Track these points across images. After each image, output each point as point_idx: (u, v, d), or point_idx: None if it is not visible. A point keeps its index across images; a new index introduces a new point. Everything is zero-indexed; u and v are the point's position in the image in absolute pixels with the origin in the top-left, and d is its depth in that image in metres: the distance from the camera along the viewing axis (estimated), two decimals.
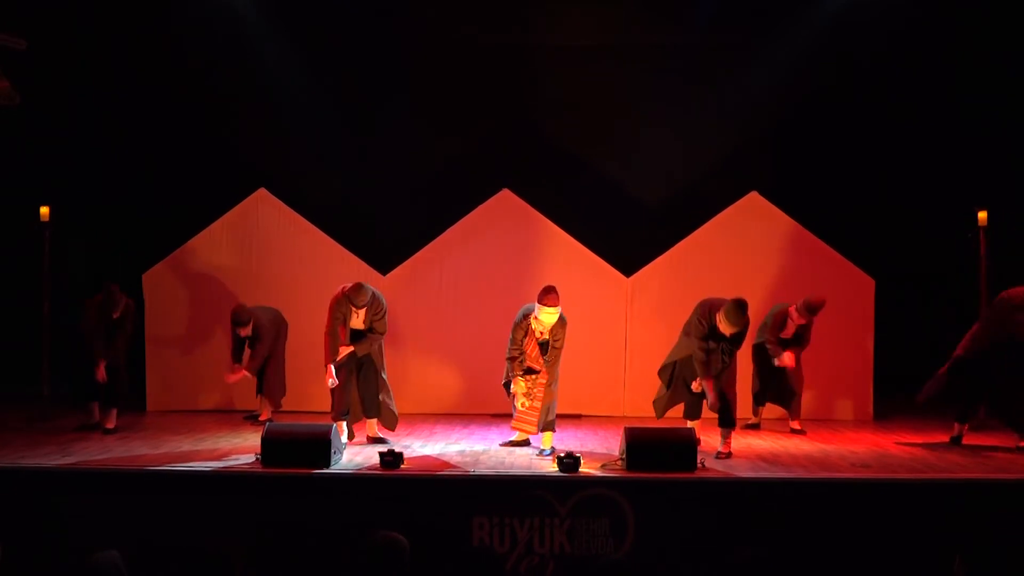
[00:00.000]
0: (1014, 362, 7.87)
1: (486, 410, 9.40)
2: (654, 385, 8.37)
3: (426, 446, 7.78)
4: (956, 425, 8.18)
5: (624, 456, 6.79)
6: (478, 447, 7.80)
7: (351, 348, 7.80)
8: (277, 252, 9.85)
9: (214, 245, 9.85)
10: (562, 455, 6.72)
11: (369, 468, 6.79)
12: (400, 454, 6.77)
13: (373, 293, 7.79)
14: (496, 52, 11.03)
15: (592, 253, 9.82)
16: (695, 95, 10.82)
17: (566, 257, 9.75)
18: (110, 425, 8.24)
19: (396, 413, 8.04)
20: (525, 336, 7.61)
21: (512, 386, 7.66)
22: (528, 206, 9.85)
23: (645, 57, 10.91)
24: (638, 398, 9.50)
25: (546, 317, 7.47)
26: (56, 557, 6.07)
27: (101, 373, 8.21)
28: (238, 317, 8.72)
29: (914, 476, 6.78)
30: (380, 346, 7.97)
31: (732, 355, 7.53)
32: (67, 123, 10.73)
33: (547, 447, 7.58)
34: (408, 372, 9.49)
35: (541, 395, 7.65)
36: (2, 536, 5.64)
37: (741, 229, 9.75)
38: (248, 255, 9.86)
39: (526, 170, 10.65)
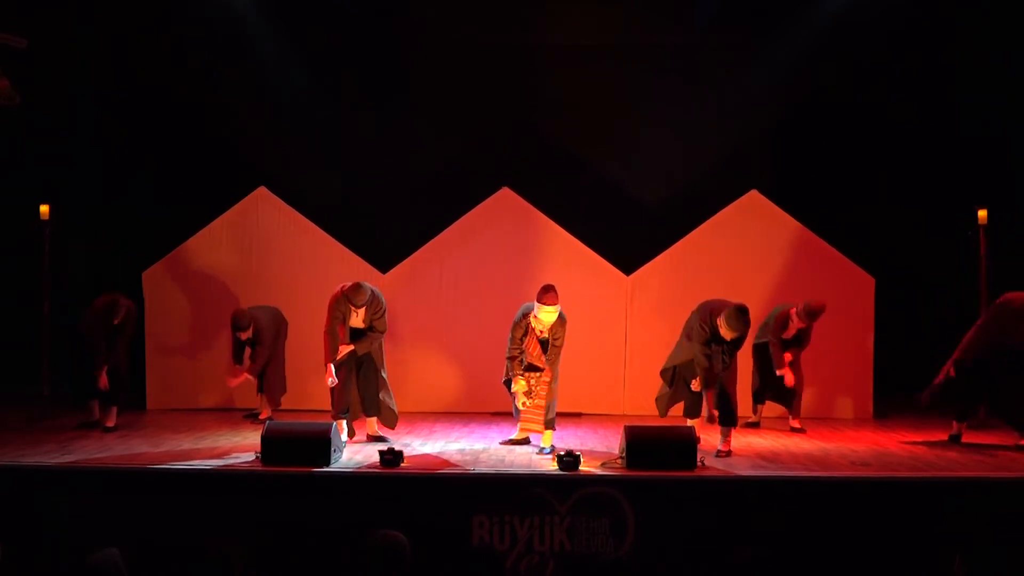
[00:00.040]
0: (1014, 365, 7.86)
1: (486, 408, 9.41)
2: (654, 384, 8.38)
3: (426, 444, 7.78)
4: (955, 424, 8.18)
5: (624, 454, 6.79)
6: (478, 445, 7.80)
7: (351, 347, 7.80)
8: (277, 251, 9.86)
9: (214, 244, 9.86)
10: (562, 453, 6.72)
11: (369, 467, 6.79)
12: (400, 452, 6.77)
13: (372, 292, 7.79)
14: (496, 52, 11.03)
15: (592, 252, 9.82)
16: (695, 95, 10.82)
17: (566, 256, 9.76)
18: (110, 423, 8.24)
19: (396, 412, 8.05)
20: (525, 335, 7.61)
21: (512, 385, 7.66)
22: (528, 205, 9.86)
23: (645, 57, 10.91)
24: (638, 397, 9.51)
25: (545, 316, 7.47)
26: (56, 556, 6.07)
27: (104, 381, 8.21)
28: (238, 322, 8.71)
29: (914, 475, 6.77)
30: (380, 344, 7.97)
31: (733, 355, 7.55)
32: (67, 123, 10.73)
33: (547, 445, 7.58)
34: (408, 371, 9.50)
35: (544, 393, 7.65)
36: (2, 535, 5.63)
37: (741, 228, 9.75)
38: (248, 254, 9.86)
39: (526, 170, 10.65)
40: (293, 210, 9.91)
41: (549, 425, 7.66)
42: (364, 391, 7.95)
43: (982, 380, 8.04)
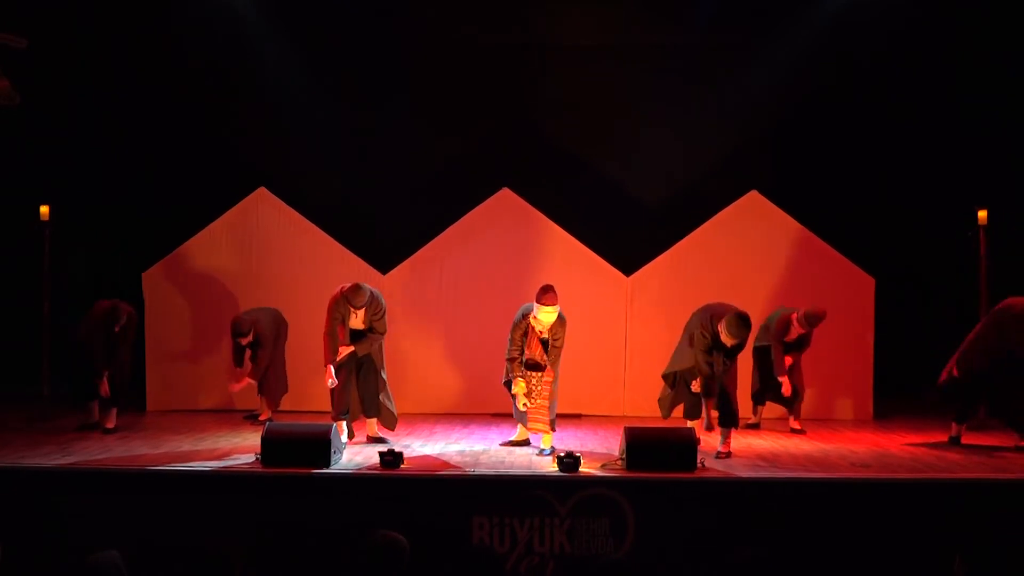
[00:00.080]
0: (1013, 371, 7.85)
1: (486, 410, 9.40)
2: (654, 385, 8.39)
3: (426, 446, 7.78)
4: (954, 425, 8.17)
5: (624, 456, 6.79)
6: (478, 447, 7.80)
7: (351, 348, 7.80)
8: (277, 251, 9.86)
9: (214, 245, 9.85)
10: (562, 455, 6.72)
11: (369, 468, 6.79)
12: (400, 454, 6.77)
13: (371, 293, 7.78)
14: (496, 52, 11.02)
15: (592, 252, 9.82)
16: (695, 95, 10.82)
17: (566, 256, 9.75)
18: (110, 425, 8.24)
19: (395, 414, 8.04)
20: (525, 336, 7.60)
21: (512, 387, 7.65)
22: (528, 205, 9.86)
23: (645, 57, 10.90)
24: (638, 398, 9.51)
25: (545, 316, 7.47)
26: (56, 557, 6.07)
27: (105, 388, 8.20)
28: (239, 328, 8.71)
29: (914, 476, 6.78)
30: (380, 346, 7.97)
31: (733, 358, 7.55)
32: (67, 123, 10.73)
33: (547, 447, 7.58)
34: (408, 372, 9.49)
35: (547, 393, 7.65)
36: (2, 536, 5.63)
37: (741, 228, 9.75)
38: (248, 255, 9.86)
39: (526, 170, 10.65)
40: (293, 211, 9.90)
41: (550, 426, 7.66)
42: (364, 392, 7.95)
43: (982, 383, 8.03)
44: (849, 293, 9.58)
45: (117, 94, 10.75)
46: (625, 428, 6.93)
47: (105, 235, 10.84)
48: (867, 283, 9.66)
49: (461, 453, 7.49)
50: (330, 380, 7.74)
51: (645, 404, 9.28)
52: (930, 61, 10.55)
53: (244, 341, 8.77)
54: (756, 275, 9.62)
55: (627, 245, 10.26)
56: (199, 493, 6.46)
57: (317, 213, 10.04)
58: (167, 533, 6.17)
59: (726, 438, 7.46)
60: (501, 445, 7.86)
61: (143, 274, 9.78)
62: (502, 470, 6.80)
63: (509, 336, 7.68)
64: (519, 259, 9.71)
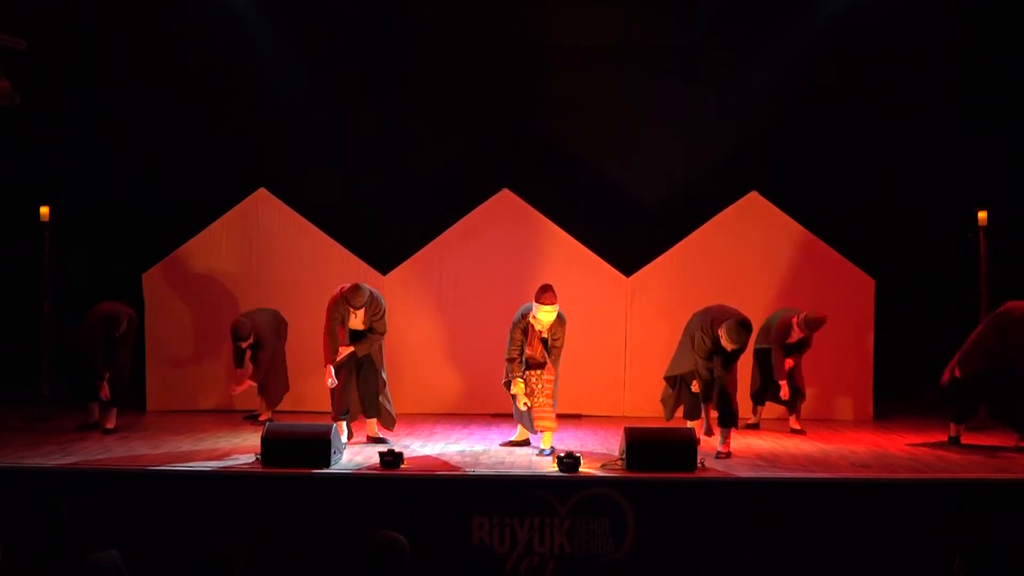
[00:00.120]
0: (1014, 375, 7.84)
1: (486, 410, 9.40)
2: (654, 385, 8.39)
3: (426, 446, 7.78)
4: (952, 425, 8.16)
5: (624, 456, 6.79)
6: (478, 447, 7.80)
7: (351, 348, 7.80)
8: (277, 252, 9.86)
9: (214, 245, 9.85)
10: (562, 455, 6.72)
11: (369, 468, 6.79)
12: (400, 454, 6.77)
13: (371, 293, 7.78)
14: (496, 52, 11.03)
15: (592, 253, 9.82)
16: (695, 95, 10.82)
17: (566, 257, 9.75)
18: (110, 425, 8.24)
19: (393, 415, 8.04)
20: (524, 335, 7.59)
21: (512, 387, 7.65)
22: (528, 206, 9.86)
23: (645, 57, 10.90)
24: (638, 398, 9.51)
25: (544, 315, 7.46)
26: (56, 557, 6.07)
27: (105, 391, 8.20)
28: (239, 332, 8.70)
29: (914, 476, 6.78)
30: (380, 346, 7.97)
31: (734, 360, 7.55)
32: (67, 123, 10.73)
33: (547, 447, 7.58)
34: (408, 372, 9.49)
35: (550, 391, 7.64)
36: (2, 536, 5.63)
37: (741, 229, 9.75)
38: (248, 255, 9.86)
39: (526, 170, 10.65)
40: (293, 211, 9.90)
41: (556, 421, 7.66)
42: (364, 392, 7.95)
43: (983, 384, 8.02)
44: (849, 294, 9.58)
45: (117, 94, 10.75)
46: (625, 428, 6.93)
47: (105, 235, 10.85)
48: (867, 284, 9.66)
49: (461, 453, 7.49)
50: (330, 380, 7.74)
51: (645, 404, 9.29)
52: (930, 61, 10.55)
53: (245, 344, 8.78)
54: (756, 276, 9.62)
55: (627, 245, 10.26)
56: (199, 493, 6.46)
57: (317, 213, 10.04)
58: (167, 533, 6.17)
59: (726, 438, 7.46)
60: (501, 445, 7.86)
61: (143, 275, 9.78)
62: (502, 470, 6.80)
63: (509, 336, 7.68)
64: (519, 259, 9.71)
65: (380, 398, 7.95)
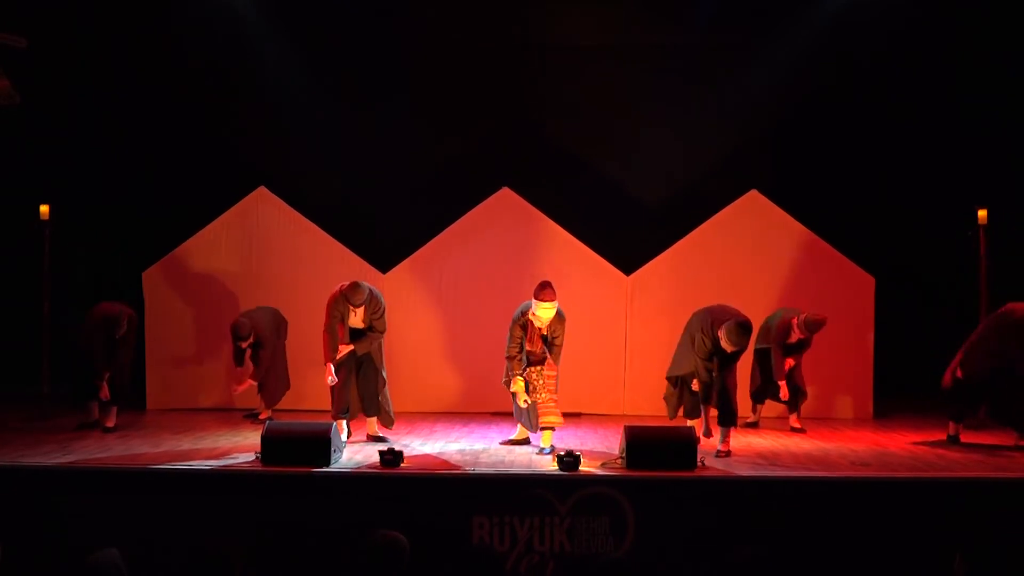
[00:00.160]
0: (1014, 378, 7.84)
1: (486, 409, 9.40)
2: (654, 384, 8.39)
3: (426, 445, 7.78)
4: (951, 424, 8.16)
5: (624, 455, 6.79)
6: (478, 446, 7.80)
7: (351, 347, 7.80)
8: (277, 251, 9.86)
9: (214, 244, 9.86)
10: (562, 454, 6.72)
11: (369, 467, 6.79)
12: (400, 453, 6.77)
13: (371, 291, 7.78)
14: (496, 52, 11.03)
15: (592, 252, 9.82)
16: (695, 95, 10.82)
17: (566, 256, 9.75)
18: (110, 424, 8.24)
19: (392, 415, 8.03)
20: (524, 332, 7.58)
21: (511, 385, 7.65)
22: (528, 204, 9.86)
23: (645, 57, 10.91)
24: (638, 397, 9.52)
25: (543, 312, 7.46)
26: (56, 557, 6.07)
27: (105, 392, 8.20)
28: (239, 332, 8.70)
29: (914, 475, 6.78)
30: (380, 345, 7.97)
31: (734, 362, 7.55)
32: (67, 123, 10.73)
33: (547, 446, 7.57)
34: (408, 371, 9.49)
35: (552, 387, 7.64)
36: (2, 536, 5.63)
37: (741, 228, 9.75)
38: (248, 254, 9.86)
39: (526, 170, 10.65)
40: (293, 210, 9.90)
41: (548, 426, 7.64)
42: (364, 391, 7.95)
43: (984, 385, 8.02)
44: (849, 293, 9.58)
45: (117, 94, 10.75)
46: (625, 427, 6.93)
47: (105, 235, 10.85)
48: (867, 283, 9.66)
49: (461, 452, 7.49)
50: (330, 378, 7.74)
51: (645, 403, 9.29)
52: (930, 61, 10.56)
53: (244, 344, 8.78)
54: (756, 275, 9.62)
55: (627, 245, 10.26)
56: (199, 493, 6.46)
57: (317, 213, 10.04)
58: (167, 533, 6.18)
59: (726, 437, 7.46)
60: (501, 444, 7.86)
61: (143, 274, 9.78)
62: (502, 469, 6.80)
63: (508, 334, 7.67)
64: (519, 259, 9.70)
65: (380, 397, 7.95)
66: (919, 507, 6.38)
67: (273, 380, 9.01)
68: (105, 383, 8.19)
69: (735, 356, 7.47)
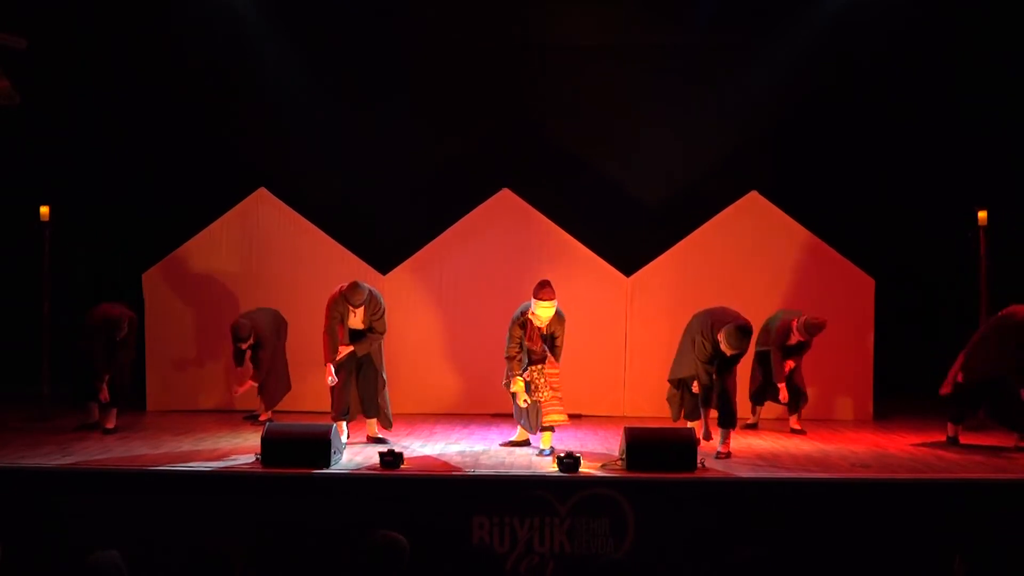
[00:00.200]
0: (1014, 382, 7.84)
1: (486, 410, 9.40)
2: (654, 385, 8.39)
3: (426, 446, 7.78)
4: (950, 425, 8.15)
5: (624, 456, 6.79)
6: (478, 447, 7.80)
7: (351, 348, 7.80)
8: (277, 252, 9.86)
9: (214, 245, 9.85)
10: (562, 455, 6.72)
11: (369, 468, 6.79)
12: (400, 454, 6.77)
13: (370, 292, 7.78)
14: (496, 52, 11.03)
15: (592, 253, 9.82)
16: (695, 95, 10.82)
17: (566, 257, 9.75)
18: (110, 425, 8.24)
19: (390, 417, 8.03)
20: (523, 331, 7.57)
21: (511, 385, 7.64)
22: (528, 206, 9.85)
23: (645, 57, 10.90)
24: (638, 398, 9.51)
25: (542, 311, 7.45)
26: (56, 557, 6.07)
27: (104, 394, 8.20)
28: (239, 334, 8.69)
29: (914, 476, 6.78)
30: (380, 346, 7.96)
31: (734, 364, 7.55)
32: (67, 123, 10.73)
33: (547, 447, 7.57)
34: (408, 372, 9.49)
35: (557, 383, 7.63)
36: (2, 536, 5.63)
37: (741, 229, 9.74)
38: (248, 255, 9.86)
39: (526, 170, 10.65)
40: (293, 211, 9.90)
41: (548, 427, 7.65)
42: (364, 392, 7.94)
43: (985, 388, 8.02)
44: (849, 293, 9.58)
45: (117, 94, 10.75)
46: (625, 428, 6.93)
47: (105, 235, 10.85)
48: (867, 284, 9.66)
49: (461, 453, 7.49)
50: (330, 378, 7.74)
51: (645, 404, 9.29)
52: (930, 61, 10.55)
53: (244, 346, 8.78)
54: (756, 275, 9.62)
55: (627, 245, 10.26)
56: (199, 493, 6.46)
57: (317, 213, 10.04)
58: (167, 533, 6.18)
59: (726, 438, 7.46)
60: (501, 445, 7.86)
61: (143, 274, 9.77)
62: (502, 470, 6.80)
63: (508, 334, 7.66)
64: (519, 259, 9.70)
65: (379, 399, 7.95)
66: (919, 508, 6.38)
67: (273, 381, 9.01)
68: (104, 385, 8.19)
69: (735, 359, 7.46)
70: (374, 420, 7.97)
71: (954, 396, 8.13)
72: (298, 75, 11.00)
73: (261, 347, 8.81)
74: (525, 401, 7.60)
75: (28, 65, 9.11)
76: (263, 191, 9.94)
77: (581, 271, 9.70)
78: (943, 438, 8.18)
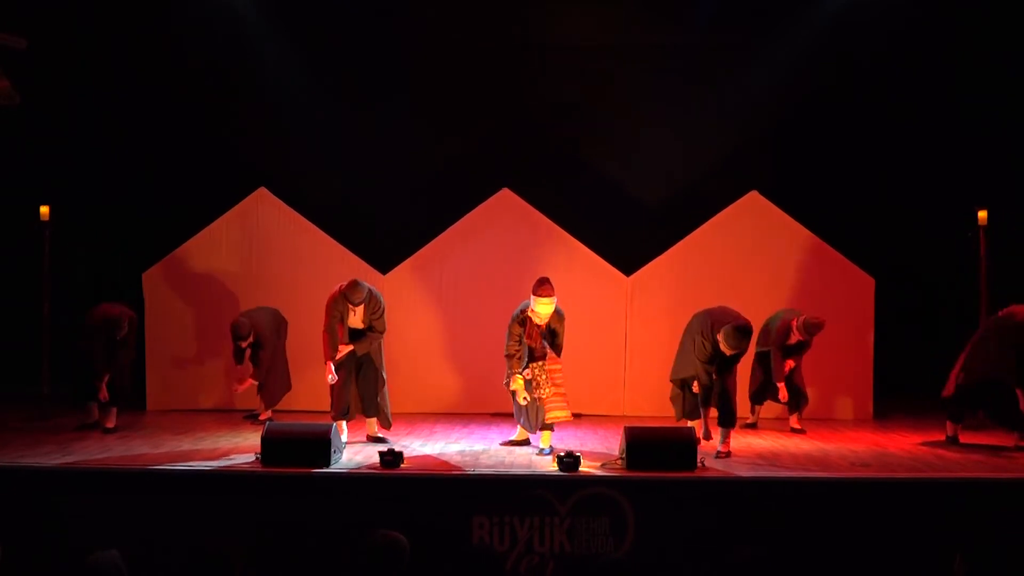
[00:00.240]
0: (1014, 383, 7.84)
1: (486, 409, 9.40)
2: (654, 385, 8.40)
3: (426, 445, 7.78)
4: (950, 425, 8.16)
5: (624, 455, 6.79)
6: (478, 446, 7.80)
7: (350, 347, 7.80)
8: (277, 252, 9.86)
9: (214, 245, 9.86)
10: (562, 454, 6.72)
11: (369, 467, 6.79)
12: (400, 453, 6.77)
13: (370, 291, 7.78)
14: (496, 52, 11.02)
15: (592, 252, 9.82)
16: (695, 95, 10.81)
17: (566, 256, 9.75)
18: (110, 424, 8.24)
19: (390, 417, 8.03)
20: (523, 327, 7.56)
21: (511, 384, 7.64)
22: (528, 205, 9.86)
23: (645, 57, 10.90)
24: (638, 397, 9.52)
25: (542, 308, 7.45)
26: (56, 557, 6.07)
27: (104, 393, 8.20)
28: (238, 332, 8.69)
29: (914, 475, 6.78)
30: (379, 345, 7.96)
31: (734, 364, 7.55)
32: (67, 123, 10.73)
33: (546, 446, 7.57)
34: (408, 371, 9.49)
35: (559, 380, 7.62)
36: (2, 536, 5.63)
37: (741, 229, 9.75)
38: (248, 254, 9.86)
39: (526, 170, 10.64)
40: (293, 211, 9.90)
41: (548, 426, 7.65)
42: (364, 391, 7.95)
43: (985, 388, 8.01)
44: (849, 293, 9.58)
45: (117, 94, 10.74)
46: (625, 428, 6.93)
47: (105, 235, 10.84)
48: (867, 283, 9.66)
49: (461, 453, 7.49)
50: (330, 376, 7.74)
51: (645, 404, 9.30)
52: (930, 61, 10.55)
53: (244, 344, 8.78)
54: (756, 275, 9.62)
55: (627, 245, 10.26)
56: (199, 493, 6.46)
57: (317, 213, 10.04)
58: (167, 533, 6.18)
59: (725, 438, 7.46)
60: (501, 445, 7.86)
61: (143, 274, 9.77)
62: (502, 469, 6.80)
63: (507, 332, 7.66)
64: (519, 259, 9.69)
65: (379, 398, 7.95)
66: (919, 507, 6.38)
67: (273, 380, 9.01)
68: (104, 385, 8.19)
69: (735, 359, 7.47)
70: (374, 419, 7.98)
71: (954, 396, 8.13)
72: (298, 75, 11.00)
73: (261, 346, 8.81)
74: (525, 399, 7.60)
75: (28, 65, 9.11)
76: (263, 191, 9.94)
77: (581, 271, 9.70)
78: (943, 437, 8.19)
